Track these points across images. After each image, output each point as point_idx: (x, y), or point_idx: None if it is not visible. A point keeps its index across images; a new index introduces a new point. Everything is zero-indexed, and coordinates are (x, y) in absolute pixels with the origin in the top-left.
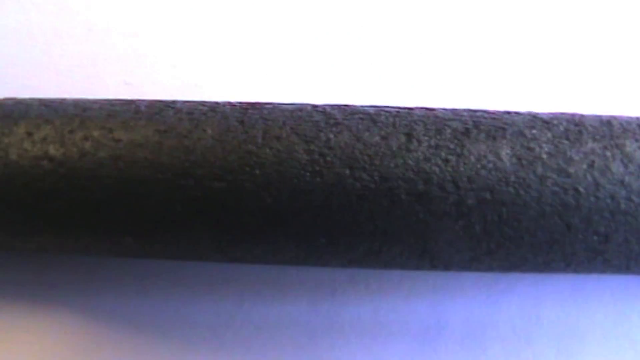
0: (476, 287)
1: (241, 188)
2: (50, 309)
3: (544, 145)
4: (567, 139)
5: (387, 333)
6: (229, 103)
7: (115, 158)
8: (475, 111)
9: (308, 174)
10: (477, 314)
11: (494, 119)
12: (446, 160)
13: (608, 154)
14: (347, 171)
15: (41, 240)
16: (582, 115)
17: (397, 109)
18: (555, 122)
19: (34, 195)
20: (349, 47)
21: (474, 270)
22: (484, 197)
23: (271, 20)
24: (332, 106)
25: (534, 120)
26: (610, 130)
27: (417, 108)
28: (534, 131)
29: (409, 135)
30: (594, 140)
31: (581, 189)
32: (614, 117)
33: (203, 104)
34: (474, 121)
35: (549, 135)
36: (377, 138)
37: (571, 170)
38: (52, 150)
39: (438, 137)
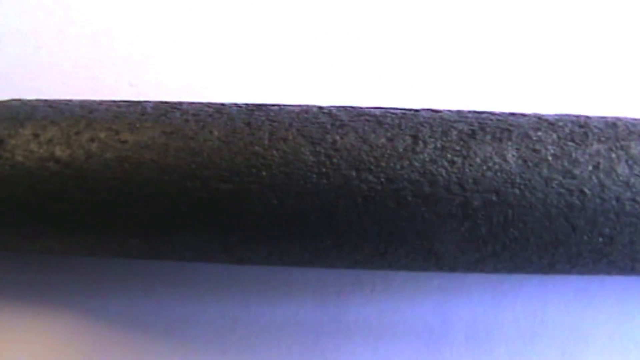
0: (481, 288)
1: (247, 190)
2: (56, 310)
3: (549, 146)
4: (573, 140)
5: (392, 334)
6: (235, 104)
7: (121, 159)
8: (480, 113)
9: (314, 175)
10: (481, 315)
11: (500, 120)
12: (452, 162)
13: (613, 155)
14: (354, 173)
15: (47, 241)
16: (587, 117)
17: (402, 111)
18: (560, 123)
19: (40, 196)
20: (354, 48)
21: (479, 272)
22: (489, 198)
23: (277, 22)
24: (338, 108)
25: (540, 121)
26: (615, 131)
27: (422, 110)
28: (539, 133)
29: (415, 137)
30: (600, 141)
31: (586, 191)
32: (619, 119)
33: (209, 105)
34: (479, 123)
35: (555, 136)
36: (383, 140)
37: (577, 171)
38: (59, 151)
39: (444, 138)
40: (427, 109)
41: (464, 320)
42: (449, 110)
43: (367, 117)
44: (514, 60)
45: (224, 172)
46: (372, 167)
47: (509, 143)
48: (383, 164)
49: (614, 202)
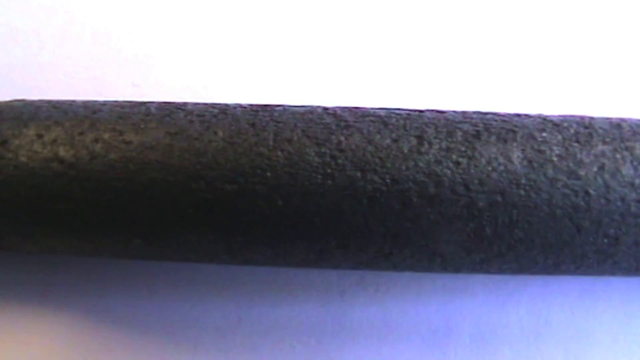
0: (485, 289)
1: (252, 191)
2: (59, 310)
3: (554, 147)
4: (578, 141)
5: (396, 335)
6: (240, 105)
7: (125, 160)
8: (485, 114)
9: (319, 176)
10: (486, 315)
11: (505, 121)
12: (457, 163)
13: (618, 156)
14: (359, 174)
15: (50, 242)
16: (592, 118)
17: (407, 112)
18: (565, 124)
19: (44, 197)
20: (359, 49)
21: (484, 272)
22: (494, 199)
23: (281, 22)
24: (343, 108)
25: (544, 122)
26: (620, 132)
27: (427, 111)
28: (544, 134)
29: (420, 138)
30: (604, 142)
31: (591, 192)
32: (624, 120)
33: (214, 106)
34: (484, 124)
35: (559, 137)
36: (388, 140)
37: (581, 172)
38: (62, 152)
39: (449, 139)
40: (432, 110)
41: (468, 320)
42: (453, 111)
43: (372, 118)
44: (519, 61)
45: (229, 172)
46: (377, 168)
47: (514, 144)
48: (388, 164)
49: (619, 203)
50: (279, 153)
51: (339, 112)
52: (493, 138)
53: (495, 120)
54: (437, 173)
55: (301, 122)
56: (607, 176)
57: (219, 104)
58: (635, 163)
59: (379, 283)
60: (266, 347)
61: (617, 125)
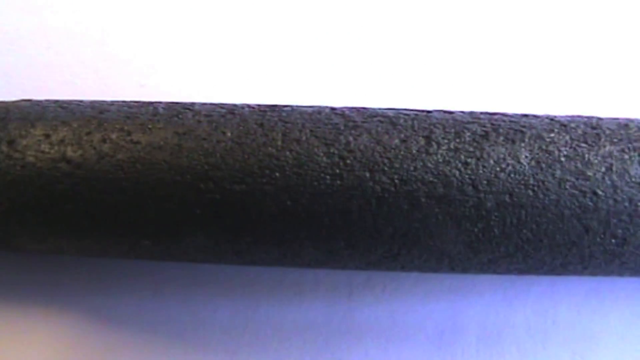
0: (492, 289)
1: (261, 191)
2: (64, 310)
3: (562, 148)
4: (585, 142)
5: (403, 335)
6: (248, 105)
7: (133, 160)
8: (493, 114)
9: (328, 177)
10: (493, 315)
11: (512, 122)
12: (465, 163)
13: (626, 157)
14: (367, 174)
15: (57, 242)
16: (599, 118)
17: (415, 112)
18: (573, 125)
19: (51, 197)
20: (367, 50)
21: (491, 273)
22: (503, 200)
23: (289, 23)
24: (351, 109)
25: (552, 123)
26: (627, 133)
27: (435, 111)
28: (552, 134)
29: (428, 139)
30: (612, 143)
31: (599, 192)
32: (631, 120)
33: (222, 106)
34: (492, 124)
35: (567, 138)
36: (396, 141)
37: (589, 173)
38: (70, 152)
39: (457, 140)
40: (440, 110)
41: (475, 321)
42: (461, 112)
43: (381, 118)
44: (527, 62)
45: (237, 173)
46: (386, 168)
47: (522, 144)
48: (396, 165)
49: (626, 204)
50: (288, 153)
51: (347, 112)
52: (501, 138)
53: (504, 121)
54: (446, 173)
55: (309, 122)
56: (614, 177)
57: (227, 104)
58: None
59: (386, 283)
60: (274, 347)
61: (624, 125)
